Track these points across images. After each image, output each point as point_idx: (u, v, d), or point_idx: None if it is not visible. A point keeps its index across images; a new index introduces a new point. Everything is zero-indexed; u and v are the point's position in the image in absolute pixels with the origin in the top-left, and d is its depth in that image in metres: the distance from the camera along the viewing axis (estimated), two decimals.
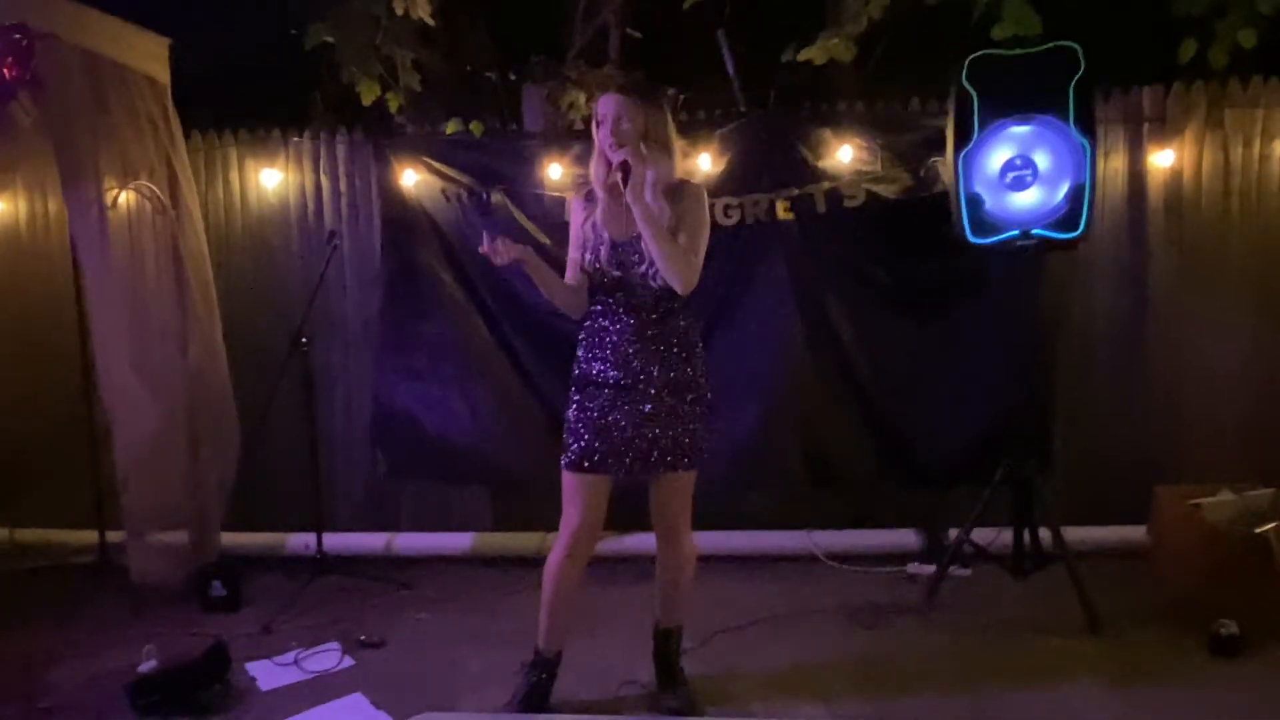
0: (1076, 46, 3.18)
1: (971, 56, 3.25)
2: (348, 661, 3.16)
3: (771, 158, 3.89)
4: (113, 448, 3.50)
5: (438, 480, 4.21)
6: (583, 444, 2.60)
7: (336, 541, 3.95)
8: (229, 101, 4.39)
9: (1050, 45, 3.21)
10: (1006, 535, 3.47)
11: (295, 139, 4.24)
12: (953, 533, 3.60)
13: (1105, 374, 3.97)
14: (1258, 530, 3.14)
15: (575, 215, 2.72)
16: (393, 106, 4.21)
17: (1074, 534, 3.43)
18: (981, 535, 3.50)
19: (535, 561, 2.92)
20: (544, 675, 2.72)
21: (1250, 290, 3.88)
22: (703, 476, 2.71)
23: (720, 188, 3.87)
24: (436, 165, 4.03)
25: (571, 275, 2.71)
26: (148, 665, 2.97)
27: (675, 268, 2.50)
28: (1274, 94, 3.81)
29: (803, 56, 3.90)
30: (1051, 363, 3.87)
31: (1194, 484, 3.50)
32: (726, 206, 3.88)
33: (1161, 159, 3.87)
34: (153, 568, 3.58)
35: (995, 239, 3.31)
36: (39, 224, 4.38)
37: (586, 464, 2.59)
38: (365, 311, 4.23)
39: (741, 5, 4.35)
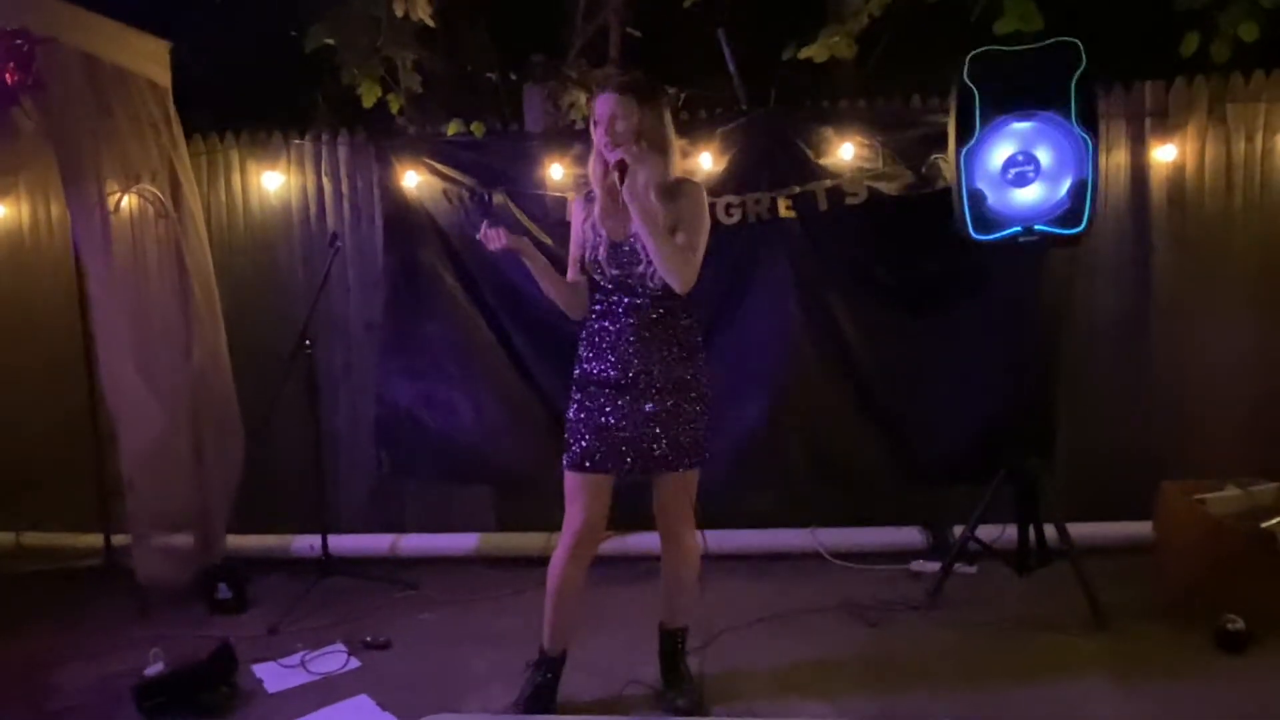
0: (1078, 42, 3.17)
1: (973, 53, 3.25)
2: (354, 663, 3.16)
3: (773, 156, 3.89)
4: (117, 451, 3.51)
5: (441, 480, 4.21)
6: (584, 443, 2.60)
7: (341, 543, 3.95)
8: (230, 104, 4.39)
9: (1051, 41, 3.20)
10: (1011, 532, 3.47)
11: (296, 141, 4.24)
12: (957, 530, 3.60)
13: (1108, 369, 3.97)
14: (1263, 525, 3.13)
15: (576, 215, 2.73)
16: (394, 108, 4.22)
17: (1079, 530, 3.42)
18: (986, 532, 3.50)
19: (539, 561, 2.92)
20: (549, 675, 2.72)
21: (1253, 285, 3.88)
22: (705, 475, 2.71)
23: (722, 186, 3.87)
24: (438, 166, 4.03)
25: (572, 274, 2.71)
26: (154, 668, 2.97)
27: (673, 267, 2.49)
28: (1276, 88, 3.80)
29: (803, 54, 3.90)
30: (1055, 359, 3.87)
31: (1199, 479, 3.50)
32: (728, 205, 3.88)
33: (1164, 154, 3.86)
34: (158, 570, 3.58)
35: (998, 235, 3.30)
36: (42, 228, 4.39)
37: (588, 463, 2.60)
38: (368, 313, 4.24)
39: (742, 3, 4.35)
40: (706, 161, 3.87)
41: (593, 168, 2.63)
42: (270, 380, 3.65)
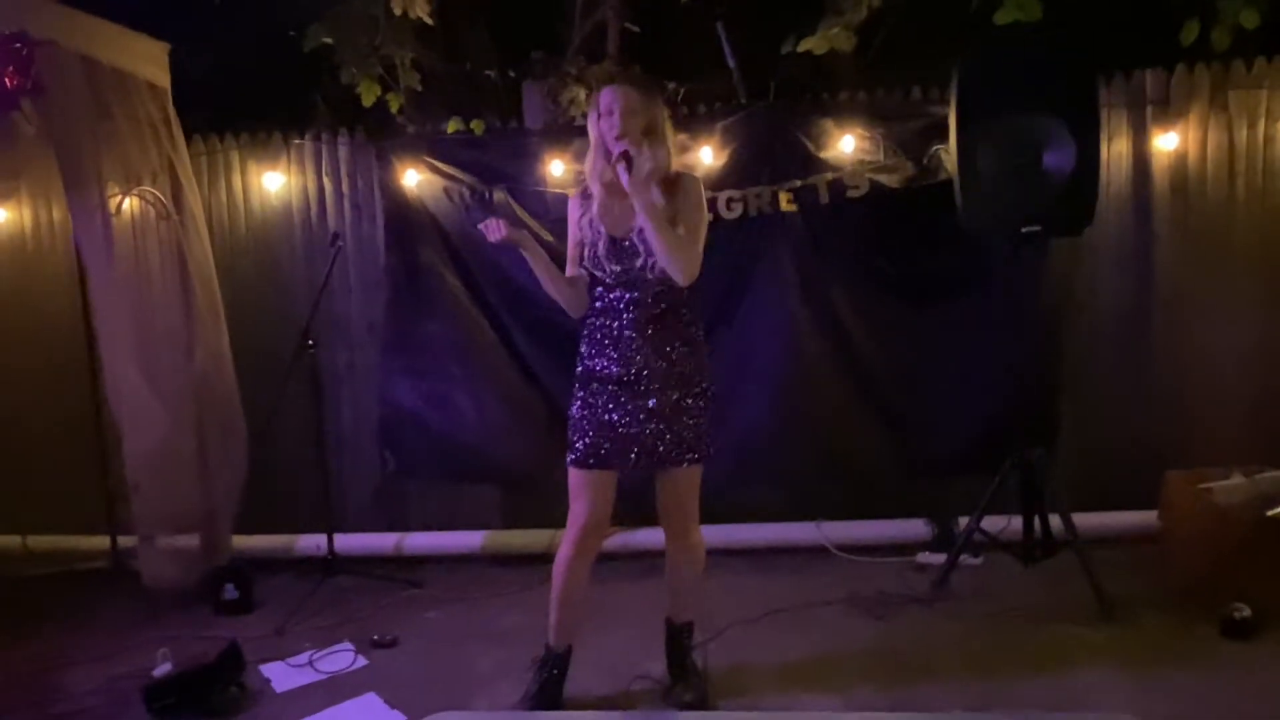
0: (1078, 31, 3.16)
1: (972, 43, 3.24)
2: (361, 661, 3.17)
3: (773, 149, 3.88)
4: (122, 453, 3.51)
5: (446, 479, 4.22)
6: (588, 440, 2.60)
7: (346, 542, 3.96)
8: (229, 105, 4.39)
9: (1051, 30, 3.19)
10: (1016, 523, 3.47)
11: (296, 141, 4.24)
12: (962, 521, 3.60)
13: (1112, 359, 3.96)
14: (1269, 513, 3.13)
15: (573, 212, 2.72)
16: (393, 107, 4.22)
17: (1084, 520, 3.42)
18: (991, 523, 3.50)
19: (544, 558, 2.92)
20: (555, 671, 2.73)
21: (1257, 272, 3.87)
22: (709, 470, 2.71)
23: (722, 180, 3.86)
24: (438, 164, 4.03)
25: (570, 271, 2.71)
26: (162, 669, 2.98)
27: (676, 258, 2.49)
28: (1278, 74, 3.78)
29: (803, 47, 3.89)
30: (1058, 349, 3.87)
31: (1204, 468, 3.49)
32: (729, 199, 3.87)
33: (1165, 142, 3.85)
34: (165, 572, 3.59)
35: (1000, 226, 3.29)
36: (44, 231, 4.39)
37: (592, 460, 2.60)
38: (370, 312, 4.24)
39: None
40: (707, 156, 3.86)
41: (591, 164, 2.63)
42: (273, 381, 3.65)
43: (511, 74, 4.49)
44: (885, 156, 3.82)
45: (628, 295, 2.59)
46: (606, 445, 2.59)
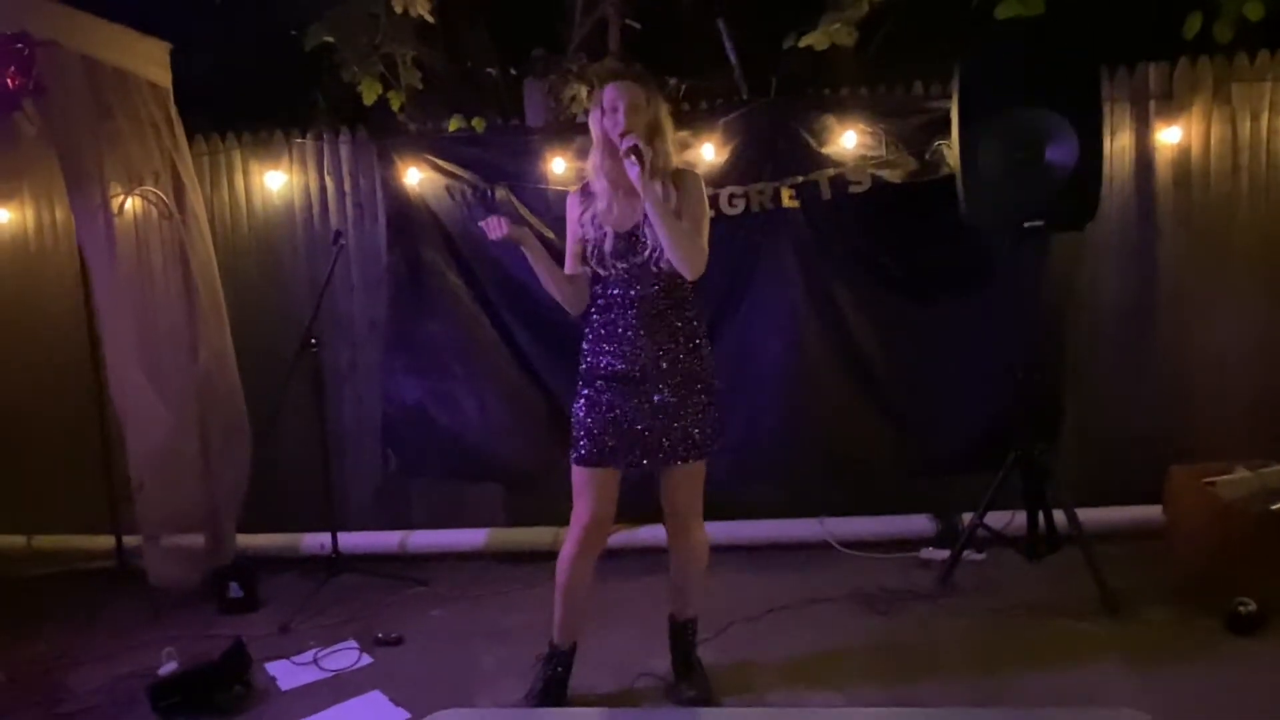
0: (1080, 25, 3.15)
1: (974, 38, 3.23)
2: (365, 659, 3.17)
3: (775, 145, 3.88)
4: (126, 452, 3.52)
5: (449, 477, 4.22)
6: (591, 438, 2.60)
7: (351, 540, 3.96)
8: (231, 104, 4.39)
9: (1054, 25, 3.18)
10: (1020, 518, 3.46)
11: (298, 140, 4.24)
12: (966, 517, 3.60)
13: (1116, 354, 3.95)
14: (1274, 507, 3.12)
15: (572, 210, 2.71)
16: (394, 105, 4.21)
17: (1088, 515, 3.42)
18: (995, 519, 3.49)
19: (548, 556, 2.92)
20: (560, 668, 2.73)
21: (1260, 266, 3.85)
22: (713, 466, 2.71)
23: (724, 177, 3.86)
24: (440, 163, 4.03)
25: (570, 267, 2.70)
26: (168, 667, 2.99)
27: (685, 253, 2.49)
28: None
29: (804, 43, 3.88)
30: (1061, 344, 3.86)
31: (1208, 462, 3.48)
32: (731, 196, 3.86)
33: (1169, 136, 3.84)
34: (169, 571, 3.60)
35: (1002, 221, 3.28)
36: (46, 232, 4.40)
37: (595, 458, 2.60)
38: (372, 311, 4.24)
39: None
40: (709, 152, 3.86)
41: (595, 159, 2.63)
42: (276, 380, 3.65)
43: (512, 72, 4.48)
44: (887, 152, 3.81)
45: (632, 292, 2.58)
46: (610, 443, 2.59)
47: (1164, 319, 3.92)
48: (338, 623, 3.47)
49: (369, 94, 4.15)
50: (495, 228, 2.57)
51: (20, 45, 3.06)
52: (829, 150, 3.84)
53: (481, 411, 4.08)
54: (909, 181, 3.80)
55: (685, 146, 2.79)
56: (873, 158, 3.82)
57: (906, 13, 3.96)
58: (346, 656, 3.19)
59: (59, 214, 4.34)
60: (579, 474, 2.63)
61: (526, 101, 4.24)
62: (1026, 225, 3.26)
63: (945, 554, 3.61)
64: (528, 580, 3.70)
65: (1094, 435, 3.91)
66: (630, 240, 2.57)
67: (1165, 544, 3.54)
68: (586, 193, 2.68)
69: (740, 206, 3.88)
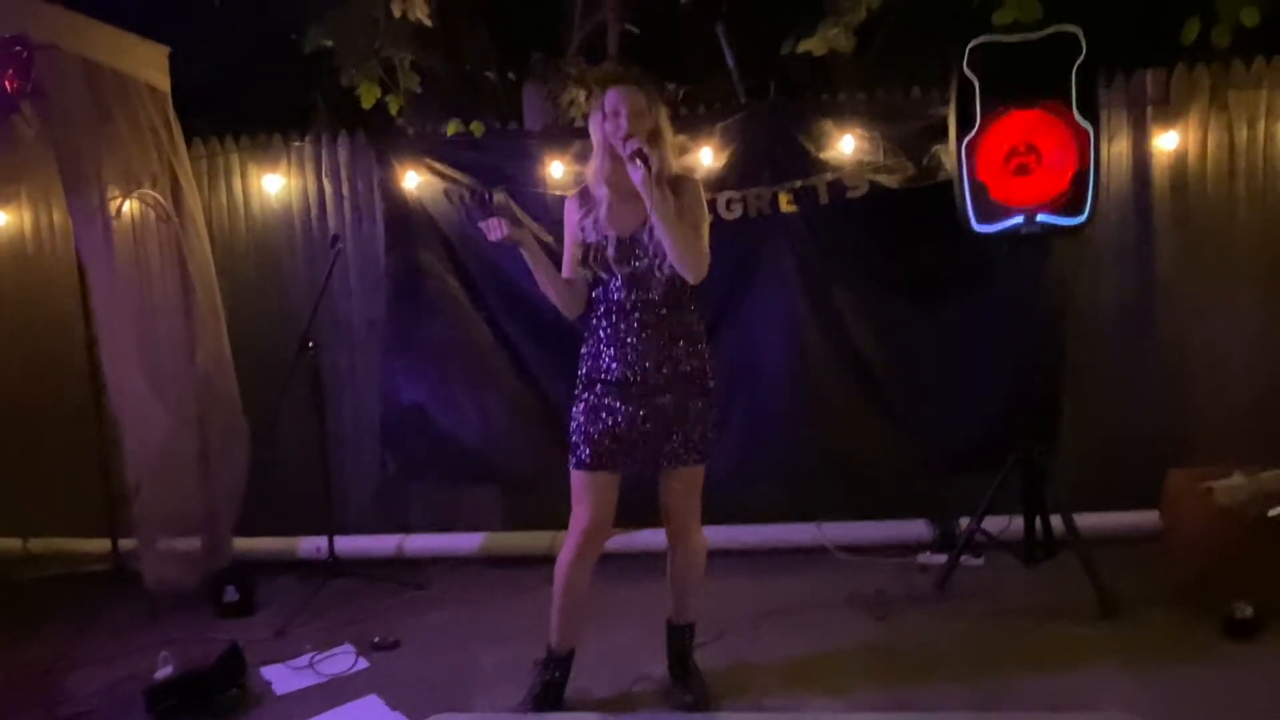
0: (1078, 30, 3.16)
1: (972, 43, 3.24)
2: (362, 663, 3.17)
3: (773, 150, 3.88)
4: (123, 455, 3.51)
5: (447, 480, 4.22)
6: (591, 443, 2.60)
7: (348, 544, 3.96)
8: (229, 107, 4.39)
9: (1051, 30, 3.19)
10: (1018, 523, 3.46)
11: (296, 143, 4.25)
12: (963, 522, 3.60)
13: (1113, 358, 3.96)
14: (1271, 512, 3.12)
15: (571, 214, 2.71)
16: (393, 108, 4.22)
17: (1085, 520, 3.42)
18: (993, 523, 3.50)
19: (546, 560, 2.92)
20: (557, 673, 2.73)
21: (1258, 271, 3.86)
22: (711, 471, 2.71)
23: (722, 181, 3.86)
24: (438, 166, 4.03)
25: (568, 271, 2.70)
26: (164, 671, 2.98)
27: (688, 256, 2.50)
28: (1277, 74, 3.78)
29: (802, 47, 3.89)
30: (1059, 348, 3.86)
31: (1205, 467, 3.49)
32: (729, 200, 3.87)
33: (1166, 141, 3.85)
34: (166, 574, 3.59)
35: (1000, 226, 3.29)
36: (44, 234, 4.40)
37: (595, 462, 2.59)
38: (370, 314, 4.24)
39: None
40: (707, 157, 3.86)
41: (596, 164, 2.63)
42: (274, 382, 3.65)
43: (511, 76, 4.49)
44: (885, 157, 3.82)
45: (634, 296, 2.58)
46: (610, 447, 2.59)
47: (1162, 323, 3.93)
48: (334, 626, 3.46)
49: (367, 97, 4.16)
50: (494, 229, 2.57)
51: (19, 48, 3.07)
52: (827, 155, 3.85)
53: (479, 414, 4.08)
54: (907, 186, 3.81)
55: (684, 151, 2.79)
56: (870, 163, 3.83)
57: (904, 18, 3.98)
58: (343, 660, 3.19)
59: (57, 217, 4.34)
60: (578, 479, 2.63)
61: (525, 105, 4.25)
62: (1024, 230, 3.27)
63: (943, 559, 3.61)
64: (525, 584, 3.69)
65: (1092, 439, 3.91)
66: (632, 245, 2.57)
67: (1162, 548, 3.54)
68: (586, 197, 2.69)
69: (738, 211, 3.88)
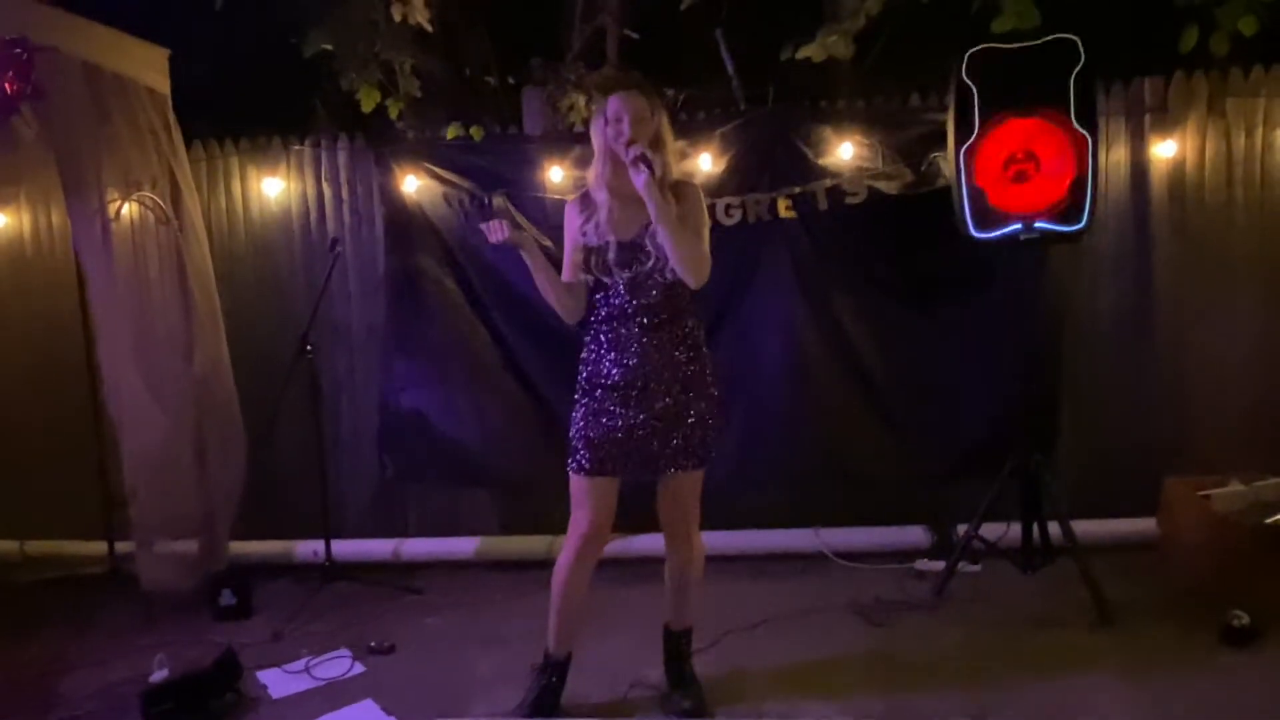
0: (1076, 38, 3.17)
1: (971, 50, 3.25)
2: (358, 668, 3.16)
3: (772, 156, 3.89)
4: (120, 458, 3.51)
5: (445, 484, 4.21)
6: (592, 447, 2.60)
7: (345, 548, 3.95)
8: (229, 110, 4.39)
9: (1050, 37, 3.20)
10: (1015, 530, 3.47)
11: (296, 147, 4.25)
12: (961, 528, 3.60)
13: (1111, 366, 3.96)
14: (1268, 520, 3.13)
15: (571, 218, 2.71)
16: (393, 112, 4.21)
17: (1083, 527, 3.42)
18: (990, 530, 3.50)
19: (543, 564, 2.92)
20: (554, 678, 2.72)
21: (1256, 279, 3.87)
22: (710, 476, 2.71)
23: (721, 187, 3.87)
24: (438, 170, 4.03)
25: (568, 275, 2.71)
26: (159, 674, 2.98)
27: (691, 261, 2.50)
28: (1275, 82, 3.79)
29: (801, 54, 3.89)
30: (1057, 355, 3.87)
31: (1203, 475, 3.49)
32: (728, 206, 3.87)
33: (1164, 150, 3.86)
34: (162, 577, 3.59)
35: (998, 233, 3.30)
36: (43, 236, 4.39)
37: (595, 467, 2.59)
38: (369, 318, 4.24)
39: (739, 4, 4.34)
40: (706, 162, 3.87)
41: (597, 169, 2.64)
42: (272, 386, 3.65)
43: (511, 80, 4.49)
44: (884, 163, 3.83)
45: (635, 301, 2.59)
46: (610, 452, 2.59)
47: (1160, 330, 3.94)
48: (331, 630, 3.46)
49: (367, 101, 4.16)
50: (496, 230, 2.57)
51: (19, 50, 3.06)
52: (826, 161, 3.85)
53: (478, 418, 4.08)
54: (905, 193, 3.82)
55: (683, 156, 2.80)
56: (869, 169, 3.83)
57: (903, 25, 3.98)
58: (339, 665, 3.18)
59: (56, 219, 4.34)
60: (578, 483, 2.63)
61: (525, 110, 4.25)
62: (1022, 237, 3.28)
63: (940, 565, 3.61)
64: (522, 589, 3.69)
65: (1090, 446, 3.91)
66: (633, 249, 2.57)
67: (1160, 556, 3.55)
68: (587, 201, 2.69)
69: (737, 217, 3.89)
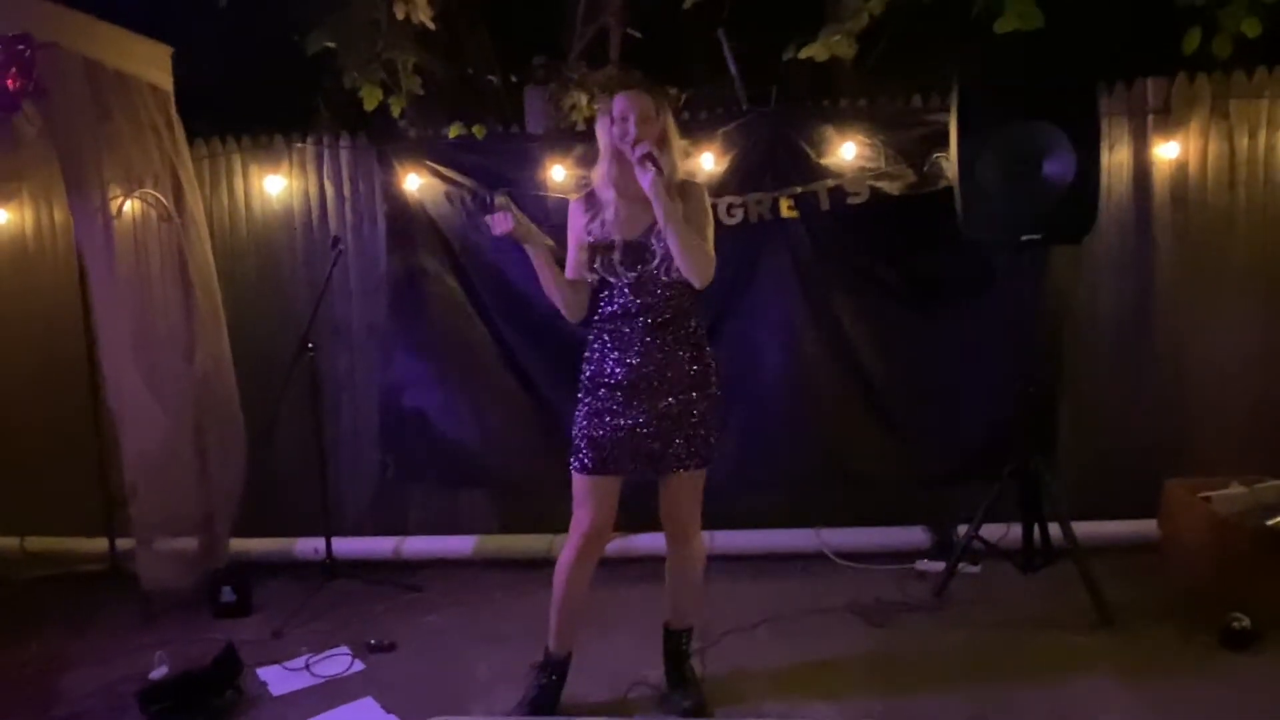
0: (1079, 39, 3.17)
1: (973, 51, 3.24)
2: (358, 665, 3.16)
3: (774, 156, 3.89)
4: (121, 455, 3.51)
5: (445, 482, 4.21)
6: (594, 446, 2.60)
7: (345, 546, 3.95)
8: (232, 108, 4.39)
9: (1052, 38, 3.20)
10: (1015, 531, 3.47)
11: (298, 145, 4.25)
12: (961, 529, 3.60)
13: (1112, 367, 3.96)
14: (1269, 523, 3.13)
15: (575, 217, 2.72)
16: (395, 111, 4.21)
17: (1083, 529, 3.41)
18: (990, 531, 3.50)
19: (544, 563, 2.92)
20: (554, 677, 2.72)
21: (1257, 281, 3.87)
22: (711, 475, 2.71)
23: (723, 187, 3.87)
24: (440, 169, 4.03)
25: (571, 274, 2.71)
26: (159, 672, 2.99)
27: (696, 261, 2.50)
28: (1278, 84, 3.79)
29: (804, 54, 3.89)
30: (1058, 357, 3.87)
31: (1203, 477, 3.49)
32: (730, 205, 3.87)
33: (1166, 151, 3.85)
34: (163, 574, 3.59)
35: (1000, 234, 3.29)
36: (45, 233, 4.39)
37: (597, 466, 2.59)
38: (370, 316, 4.24)
39: (742, 4, 4.34)
40: (708, 162, 3.87)
41: (603, 170, 2.64)
42: (273, 384, 3.65)
43: (513, 79, 4.49)
44: (886, 164, 3.83)
45: (639, 300, 2.59)
46: (613, 451, 2.59)
47: (1160, 333, 3.93)
48: (330, 628, 3.46)
49: (369, 100, 4.16)
50: (499, 223, 2.58)
51: (21, 47, 3.06)
52: (828, 161, 3.85)
53: (479, 417, 4.08)
54: (907, 193, 3.81)
55: (685, 156, 2.81)
56: (871, 169, 3.83)
57: (906, 25, 3.98)
58: (339, 662, 3.18)
59: (58, 215, 4.34)
60: (580, 482, 2.63)
61: (527, 109, 4.25)
62: (1024, 239, 3.27)
63: (941, 566, 3.61)
64: (522, 587, 3.69)
65: (1090, 448, 3.91)
66: (638, 249, 2.58)
67: (1160, 558, 3.54)
68: (591, 200, 2.69)
69: (739, 216, 3.89)
